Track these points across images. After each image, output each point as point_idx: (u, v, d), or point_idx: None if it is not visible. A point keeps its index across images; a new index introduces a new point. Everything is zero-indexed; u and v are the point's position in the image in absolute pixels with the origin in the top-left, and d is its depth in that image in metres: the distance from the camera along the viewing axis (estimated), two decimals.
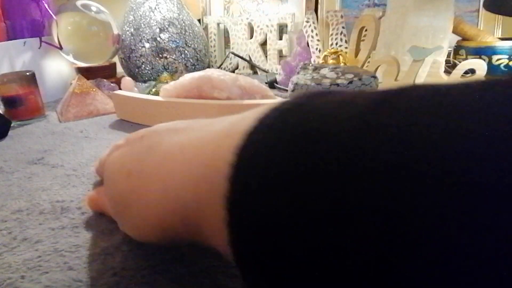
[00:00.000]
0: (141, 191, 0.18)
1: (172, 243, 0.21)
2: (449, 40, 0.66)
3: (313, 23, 0.89)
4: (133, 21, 0.84)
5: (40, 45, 0.73)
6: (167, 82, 0.64)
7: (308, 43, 0.87)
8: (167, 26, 0.84)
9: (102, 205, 0.28)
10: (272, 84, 0.78)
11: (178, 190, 0.16)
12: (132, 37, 0.84)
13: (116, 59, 0.86)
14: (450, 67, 0.76)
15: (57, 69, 0.79)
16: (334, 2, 0.91)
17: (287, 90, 0.56)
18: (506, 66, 0.72)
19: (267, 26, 0.93)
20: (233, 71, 0.99)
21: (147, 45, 0.83)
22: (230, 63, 1.01)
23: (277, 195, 0.11)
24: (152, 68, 0.85)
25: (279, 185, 0.11)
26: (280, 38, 0.93)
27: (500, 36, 0.87)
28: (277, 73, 0.83)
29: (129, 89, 0.67)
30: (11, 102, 0.59)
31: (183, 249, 0.25)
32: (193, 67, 0.89)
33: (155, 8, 0.84)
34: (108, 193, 0.23)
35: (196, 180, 0.15)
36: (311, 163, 0.11)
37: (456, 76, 0.61)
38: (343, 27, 0.87)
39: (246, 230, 0.12)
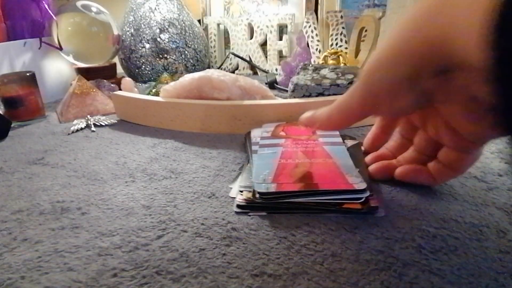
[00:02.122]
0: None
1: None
2: None
3: (313, 23, 0.89)
4: (133, 22, 0.84)
5: (40, 46, 0.73)
6: (167, 83, 0.64)
7: (308, 44, 0.87)
8: (167, 27, 0.84)
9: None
10: (272, 85, 0.78)
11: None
12: (132, 38, 0.84)
13: (116, 60, 0.86)
14: None
15: (57, 69, 0.79)
16: (334, 2, 0.91)
17: (287, 91, 0.56)
18: None
19: (267, 26, 0.93)
20: (233, 72, 0.99)
21: (147, 45, 0.83)
22: (230, 64, 1.01)
23: None
24: (152, 68, 0.85)
25: None
26: (280, 39, 0.93)
27: None
28: (277, 74, 0.83)
29: (129, 90, 0.67)
30: (11, 103, 0.59)
31: (183, 249, 0.25)
32: (193, 68, 0.89)
33: (155, 8, 0.84)
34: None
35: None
36: None
37: None
38: (343, 28, 0.87)
39: None
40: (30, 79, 0.60)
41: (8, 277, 0.23)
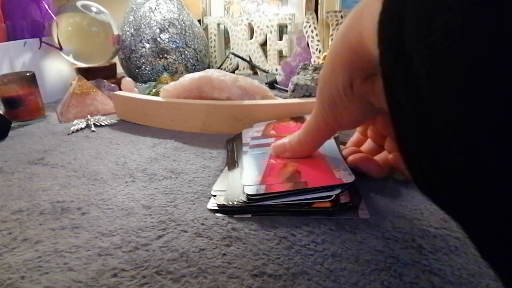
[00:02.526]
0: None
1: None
2: None
3: (313, 23, 0.89)
4: (133, 22, 0.84)
5: (40, 46, 0.73)
6: (167, 83, 0.64)
7: (308, 44, 0.87)
8: (167, 27, 0.84)
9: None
10: (272, 85, 0.78)
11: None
12: (132, 38, 0.84)
13: (116, 60, 0.86)
14: None
15: (57, 69, 0.79)
16: (334, 2, 0.91)
17: (287, 91, 0.56)
18: None
19: (267, 26, 0.93)
20: (233, 72, 0.99)
21: (147, 45, 0.83)
22: (230, 64, 1.01)
23: None
24: (152, 68, 0.85)
25: None
26: (280, 39, 0.93)
27: None
28: (277, 74, 0.83)
29: (129, 90, 0.67)
30: (11, 103, 0.59)
31: (183, 249, 0.25)
32: (193, 68, 0.89)
33: (155, 8, 0.84)
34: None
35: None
36: None
37: None
38: None
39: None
40: (30, 79, 0.60)
41: (8, 277, 0.23)
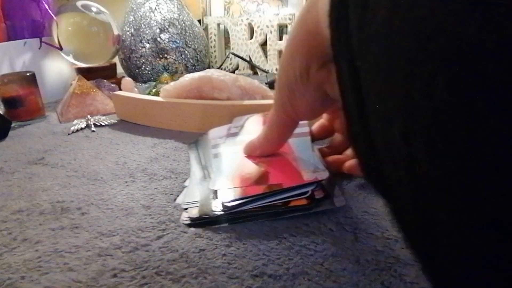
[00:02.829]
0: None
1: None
2: None
3: None
4: (133, 22, 0.84)
5: (40, 46, 0.73)
6: (167, 83, 0.64)
7: None
8: (167, 27, 0.84)
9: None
10: (272, 85, 0.78)
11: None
12: (132, 38, 0.84)
13: (116, 60, 0.86)
14: None
15: (57, 69, 0.79)
16: None
17: None
18: None
19: (267, 26, 0.93)
20: (233, 72, 0.99)
21: (147, 45, 0.83)
22: (230, 64, 1.01)
23: None
24: (152, 68, 0.85)
25: None
26: (280, 39, 0.93)
27: None
28: (277, 74, 0.83)
29: (129, 90, 0.67)
30: (11, 103, 0.59)
31: (183, 249, 0.25)
32: (193, 68, 0.89)
33: (155, 8, 0.84)
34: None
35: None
36: None
37: None
38: None
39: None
40: (30, 79, 0.60)
41: (8, 277, 0.23)
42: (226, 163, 0.33)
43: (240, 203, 0.28)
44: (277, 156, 0.33)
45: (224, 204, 0.28)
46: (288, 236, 0.26)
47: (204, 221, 0.28)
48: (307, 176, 0.29)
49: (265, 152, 0.33)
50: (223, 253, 0.25)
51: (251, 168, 0.31)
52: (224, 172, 0.32)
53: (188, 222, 0.28)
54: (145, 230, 0.28)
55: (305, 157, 0.32)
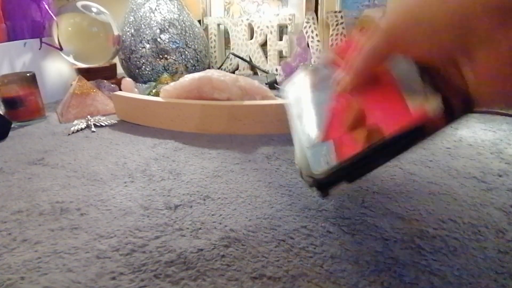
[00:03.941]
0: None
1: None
2: None
3: (313, 24, 0.88)
4: (134, 22, 0.84)
5: (41, 46, 0.73)
6: (167, 83, 0.64)
7: (308, 44, 0.87)
8: (167, 27, 0.84)
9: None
10: (272, 85, 0.78)
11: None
12: (132, 38, 0.84)
13: (116, 60, 0.86)
14: None
15: (58, 70, 0.79)
16: (334, 2, 0.91)
17: None
18: None
19: (267, 27, 0.93)
20: (233, 72, 0.99)
21: (147, 46, 0.84)
22: (230, 64, 1.01)
23: None
24: (153, 69, 0.85)
25: None
26: (280, 39, 0.93)
27: None
28: (277, 74, 0.83)
29: (130, 90, 0.67)
30: (11, 103, 0.59)
31: (181, 250, 0.25)
32: (193, 68, 0.89)
33: (155, 9, 0.84)
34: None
35: None
36: None
37: None
38: (343, 28, 0.87)
39: None
40: (30, 80, 0.60)
41: (8, 278, 0.23)
42: (317, 107, 0.28)
43: (337, 177, 0.23)
44: (374, 85, 0.25)
45: (316, 179, 0.23)
46: (287, 239, 0.26)
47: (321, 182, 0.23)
48: (414, 105, 0.21)
49: (354, 83, 0.26)
50: (222, 254, 0.25)
51: (345, 106, 0.25)
52: (315, 119, 0.27)
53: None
54: (142, 230, 0.28)
55: (409, 79, 0.23)
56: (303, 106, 0.30)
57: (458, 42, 0.20)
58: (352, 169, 0.22)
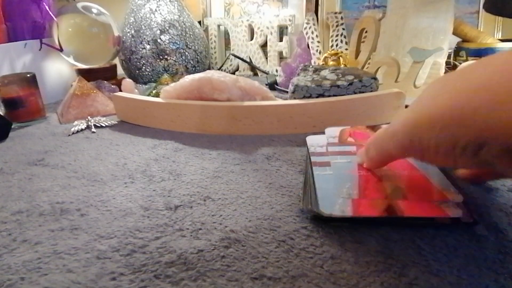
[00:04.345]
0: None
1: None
2: (449, 42, 0.66)
3: (313, 24, 0.89)
4: (134, 23, 0.84)
5: (41, 47, 0.73)
6: (167, 84, 0.64)
7: (308, 45, 0.87)
8: (167, 28, 0.84)
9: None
10: (272, 86, 0.78)
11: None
12: (132, 39, 0.84)
13: (116, 61, 0.86)
14: (450, 68, 0.76)
15: (58, 70, 0.79)
16: (334, 3, 0.91)
17: (287, 92, 0.56)
18: None
19: (268, 27, 0.93)
20: (233, 73, 1.00)
21: (147, 46, 0.84)
22: (231, 65, 1.01)
23: None
24: (153, 69, 0.85)
25: None
26: (281, 40, 0.93)
27: (500, 37, 0.87)
28: (277, 75, 0.83)
29: (130, 91, 0.67)
30: (11, 104, 0.59)
31: (181, 251, 0.25)
32: (193, 69, 0.89)
33: (155, 10, 0.85)
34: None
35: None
36: None
37: None
38: (343, 29, 0.88)
39: None
40: (30, 80, 0.60)
41: (8, 278, 0.23)
42: (340, 170, 0.31)
43: (337, 220, 0.26)
44: (402, 170, 0.30)
45: (330, 216, 0.26)
46: (287, 240, 0.26)
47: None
48: (452, 197, 0.26)
49: (370, 166, 0.31)
50: (222, 255, 0.25)
51: (377, 179, 0.29)
52: (341, 178, 0.30)
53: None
54: (143, 231, 0.28)
55: (435, 174, 0.29)
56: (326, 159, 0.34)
57: None
58: (360, 222, 0.27)
